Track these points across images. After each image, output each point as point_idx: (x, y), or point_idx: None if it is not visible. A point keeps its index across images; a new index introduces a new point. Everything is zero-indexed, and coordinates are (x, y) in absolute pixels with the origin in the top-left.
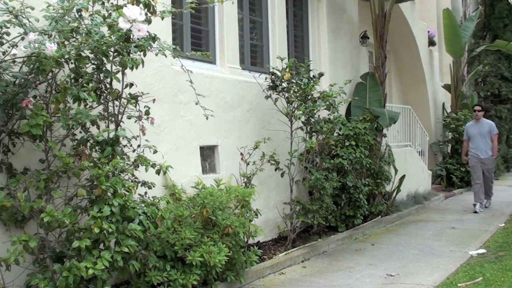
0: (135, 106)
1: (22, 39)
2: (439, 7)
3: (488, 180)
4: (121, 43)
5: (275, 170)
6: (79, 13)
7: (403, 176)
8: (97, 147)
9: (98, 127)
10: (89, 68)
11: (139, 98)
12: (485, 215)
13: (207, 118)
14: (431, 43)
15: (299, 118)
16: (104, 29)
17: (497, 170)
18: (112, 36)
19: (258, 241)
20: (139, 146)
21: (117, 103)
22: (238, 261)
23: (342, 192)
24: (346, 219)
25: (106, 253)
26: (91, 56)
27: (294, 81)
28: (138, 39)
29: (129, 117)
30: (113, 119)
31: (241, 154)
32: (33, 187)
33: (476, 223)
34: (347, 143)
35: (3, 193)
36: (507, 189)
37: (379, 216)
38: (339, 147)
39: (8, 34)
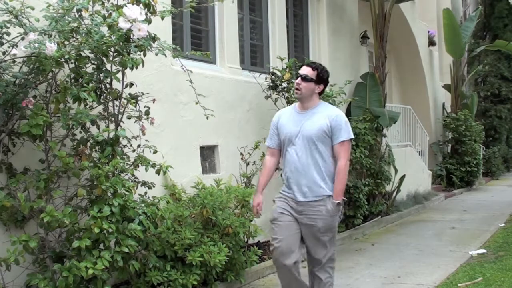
0: (135, 106)
1: (22, 39)
2: (439, 7)
3: (317, 266)
4: (121, 43)
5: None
6: (79, 13)
7: (403, 176)
8: (97, 147)
9: (98, 127)
10: (89, 68)
11: (139, 98)
12: (485, 215)
13: (207, 118)
14: (431, 43)
15: None
16: (104, 29)
17: (497, 170)
18: (112, 36)
19: (258, 241)
20: (139, 146)
21: (117, 103)
22: (238, 261)
23: None
24: (346, 219)
25: (106, 253)
26: (91, 56)
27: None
28: (138, 39)
29: (129, 117)
30: (113, 119)
31: (241, 154)
32: (33, 187)
33: (476, 223)
34: None
35: (3, 193)
36: (507, 189)
37: (379, 216)
38: None
39: (8, 34)
